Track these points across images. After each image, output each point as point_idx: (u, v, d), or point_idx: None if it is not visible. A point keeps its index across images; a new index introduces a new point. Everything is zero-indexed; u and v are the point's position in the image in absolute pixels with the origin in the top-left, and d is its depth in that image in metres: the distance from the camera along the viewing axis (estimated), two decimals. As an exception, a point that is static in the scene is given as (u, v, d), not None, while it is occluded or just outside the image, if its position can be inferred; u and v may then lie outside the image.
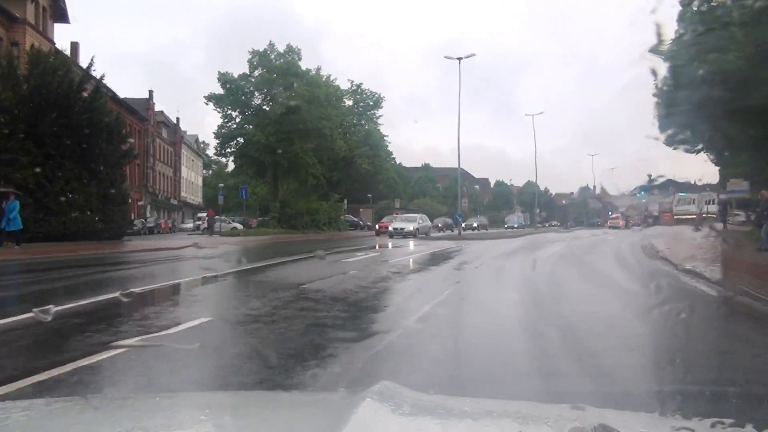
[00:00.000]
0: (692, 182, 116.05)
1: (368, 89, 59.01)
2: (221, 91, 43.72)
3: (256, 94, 44.18)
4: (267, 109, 43.66)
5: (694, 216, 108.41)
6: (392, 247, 25.99)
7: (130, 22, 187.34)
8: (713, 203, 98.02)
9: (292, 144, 42.13)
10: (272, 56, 43.44)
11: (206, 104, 43.41)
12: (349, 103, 59.60)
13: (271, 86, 42.73)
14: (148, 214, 60.92)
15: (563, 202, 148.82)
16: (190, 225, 63.20)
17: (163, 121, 72.98)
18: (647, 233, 35.41)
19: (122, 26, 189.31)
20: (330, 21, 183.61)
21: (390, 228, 37.84)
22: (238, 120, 44.59)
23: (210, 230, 40.91)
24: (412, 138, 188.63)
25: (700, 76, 17.79)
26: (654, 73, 20.44)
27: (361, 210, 59.27)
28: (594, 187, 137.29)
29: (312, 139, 43.14)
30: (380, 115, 59.20)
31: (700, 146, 25.69)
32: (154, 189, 66.25)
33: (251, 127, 43.03)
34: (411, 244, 28.76)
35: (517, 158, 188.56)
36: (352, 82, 59.04)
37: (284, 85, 42.22)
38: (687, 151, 26.34)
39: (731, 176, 56.37)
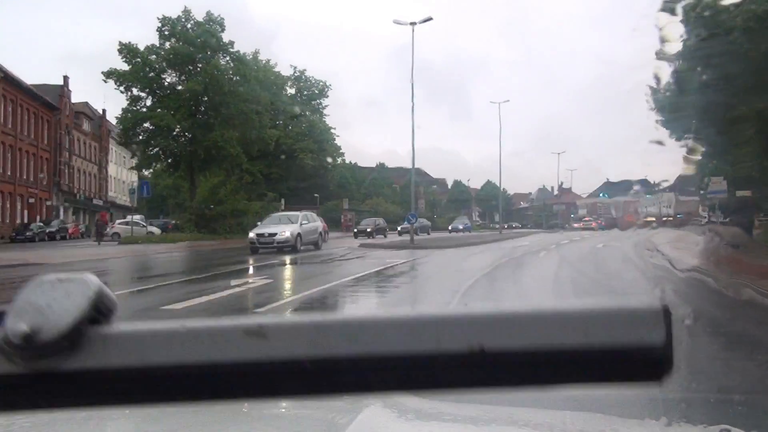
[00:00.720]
0: (652, 183, 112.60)
1: (312, 77, 51.74)
2: (126, 67, 35.51)
3: (168, 70, 36.26)
4: (181, 88, 35.86)
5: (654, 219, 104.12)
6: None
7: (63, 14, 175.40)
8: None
9: (210, 130, 34.53)
10: (188, 25, 35.62)
11: (105, 81, 35.31)
12: (291, 91, 52.30)
13: (186, 61, 35.01)
14: (62, 216, 52.31)
15: (521, 203, 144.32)
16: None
17: (85, 113, 64.14)
18: (655, 238, 29.26)
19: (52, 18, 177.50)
20: (283, 20, 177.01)
21: (251, 235, 24.04)
22: (148, 102, 36.58)
23: (99, 237, 33.05)
24: (369, 140, 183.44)
25: (704, 82, 18.19)
26: (657, 78, 21.85)
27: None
28: (552, 188, 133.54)
29: (237, 125, 35.64)
30: (326, 105, 51.98)
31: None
32: (70, 187, 57.47)
33: (161, 110, 35.07)
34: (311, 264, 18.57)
35: (475, 160, 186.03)
36: (295, 68, 51.84)
37: (202, 59, 34.57)
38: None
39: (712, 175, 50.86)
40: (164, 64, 35.73)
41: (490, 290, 11.20)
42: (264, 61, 49.56)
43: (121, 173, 78.21)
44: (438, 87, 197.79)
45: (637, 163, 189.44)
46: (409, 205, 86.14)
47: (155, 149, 35.67)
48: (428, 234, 45.26)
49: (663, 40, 18.06)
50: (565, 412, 1.60)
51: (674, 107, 22.75)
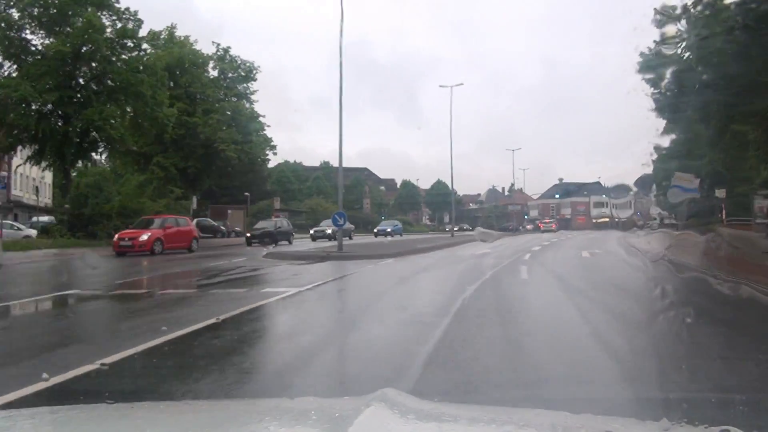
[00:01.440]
0: (603, 184, 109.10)
1: (239, 56, 44.39)
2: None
3: (28, 28, 28.29)
4: (45, 50, 28.01)
5: (607, 219, 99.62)
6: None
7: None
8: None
9: (86, 106, 26.94)
10: (59, -27, 27.74)
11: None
12: (214, 73, 44.87)
13: (56, 18, 27.29)
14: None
15: (471, 205, 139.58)
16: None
17: None
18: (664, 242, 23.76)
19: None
20: (229, 16, 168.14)
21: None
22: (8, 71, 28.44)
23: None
24: (318, 140, 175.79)
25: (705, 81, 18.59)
26: (657, 78, 22.15)
27: (229, 212, 44.46)
28: (503, 188, 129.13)
29: (126, 100, 28.13)
30: (255, 90, 44.71)
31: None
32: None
33: (17, 76, 27.03)
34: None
35: (425, 162, 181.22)
36: (218, 45, 44.36)
37: (75, 14, 26.93)
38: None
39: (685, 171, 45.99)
40: (29, 21, 27.82)
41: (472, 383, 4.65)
42: (182, 37, 42.12)
43: (30, 169, 68.42)
44: (386, 86, 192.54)
45: (590, 164, 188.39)
46: (358, 203, 79.30)
47: (14, 131, 27.62)
48: (350, 238, 37.54)
49: (663, 40, 18.28)
50: (565, 412, 1.60)
51: (674, 107, 22.98)
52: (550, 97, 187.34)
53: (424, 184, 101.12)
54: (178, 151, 41.56)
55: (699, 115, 24.03)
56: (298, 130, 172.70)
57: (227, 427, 1.56)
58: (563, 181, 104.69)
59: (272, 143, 46.21)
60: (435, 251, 22.83)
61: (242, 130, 42.15)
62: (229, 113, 42.13)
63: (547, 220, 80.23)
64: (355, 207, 72.88)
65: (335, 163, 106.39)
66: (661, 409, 3.37)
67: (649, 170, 73.18)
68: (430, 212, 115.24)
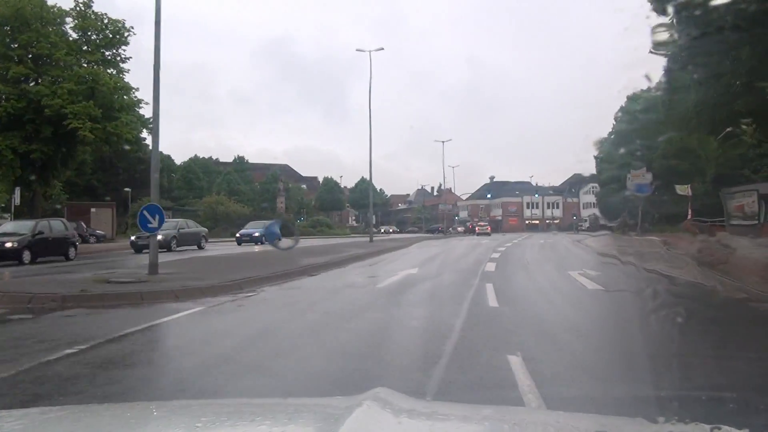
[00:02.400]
0: (534, 184, 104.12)
1: (105, 14, 34.68)
2: None
3: None
4: None
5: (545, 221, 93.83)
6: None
7: None
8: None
9: None
10: None
11: None
12: (75, 35, 34.99)
13: None
14: None
15: (400, 205, 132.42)
16: None
17: None
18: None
19: None
20: (150, 8, 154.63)
21: None
22: None
23: None
24: (241, 137, 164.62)
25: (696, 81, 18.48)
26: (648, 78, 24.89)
27: (93, 210, 34.62)
28: (432, 188, 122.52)
29: None
30: (127, 57, 35.14)
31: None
32: None
33: None
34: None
35: (352, 162, 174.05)
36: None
37: None
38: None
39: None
40: None
41: None
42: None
43: None
44: (314, 84, 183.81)
45: (519, 165, 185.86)
46: (271, 203, 69.89)
47: None
48: (200, 247, 28.58)
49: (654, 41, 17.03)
50: (558, 411, 1.69)
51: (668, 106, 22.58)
52: (478, 97, 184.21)
53: (350, 182, 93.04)
54: (16, 131, 31.59)
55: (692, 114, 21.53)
56: (220, 125, 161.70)
57: (220, 426, 1.52)
58: (494, 180, 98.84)
59: (147, 122, 36.48)
60: (312, 275, 13.90)
61: (102, 103, 32.44)
62: (86, 83, 32.34)
63: (482, 223, 73.72)
64: (264, 206, 63.79)
65: (252, 159, 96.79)
66: (653, 407, 3.11)
67: (589, 168, 68.41)
68: (357, 213, 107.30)
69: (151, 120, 38.79)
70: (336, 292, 10.29)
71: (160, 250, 24.51)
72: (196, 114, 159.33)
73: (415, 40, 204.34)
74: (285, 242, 29.32)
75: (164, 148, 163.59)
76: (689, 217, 35.74)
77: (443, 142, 61.43)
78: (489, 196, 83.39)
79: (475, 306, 8.01)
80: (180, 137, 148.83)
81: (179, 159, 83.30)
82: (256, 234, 33.33)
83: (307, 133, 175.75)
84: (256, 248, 28.12)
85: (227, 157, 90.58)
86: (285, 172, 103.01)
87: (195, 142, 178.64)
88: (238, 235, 35.28)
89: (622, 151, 44.83)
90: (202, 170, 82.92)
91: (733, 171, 40.19)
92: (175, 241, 26.81)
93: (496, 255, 19.35)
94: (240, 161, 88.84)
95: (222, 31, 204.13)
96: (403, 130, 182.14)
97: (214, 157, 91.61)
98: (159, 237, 26.15)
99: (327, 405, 1.67)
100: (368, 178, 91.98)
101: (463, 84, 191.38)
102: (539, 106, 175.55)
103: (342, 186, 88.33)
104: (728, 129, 21.10)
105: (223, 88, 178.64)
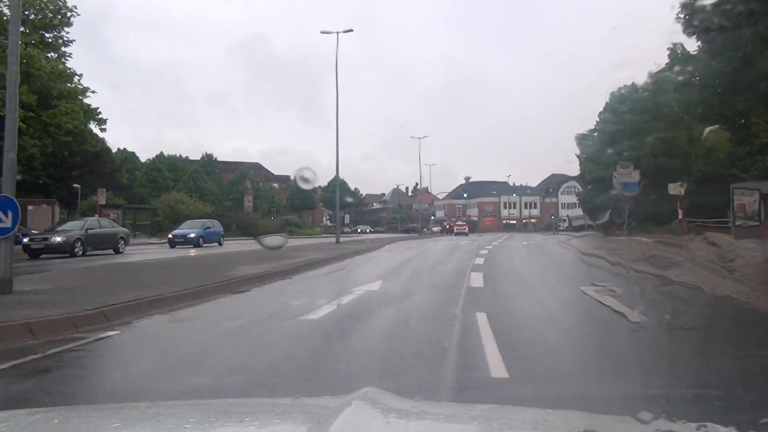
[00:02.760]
0: (511, 184, 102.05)
1: (44, -10, 31.07)
2: None
3: None
4: None
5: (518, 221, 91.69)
6: None
7: None
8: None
9: None
10: None
11: None
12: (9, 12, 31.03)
13: None
14: None
15: (375, 204, 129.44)
16: None
17: None
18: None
19: None
20: (119, 3, 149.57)
21: None
22: None
23: None
24: (217, 137, 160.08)
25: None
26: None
27: (30, 208, 30.99)
28: (407, 188, 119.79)
29: None
30: (70, 40, 31.60)
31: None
32: None
33: None
34: None
35: (329, 163, 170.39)
36: (14, -26, 30.52)
37: None
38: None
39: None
40: None
41: None
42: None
43: None
44: (289, 84, 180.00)
45: (496, 166, 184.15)
46: (238, 202, 66.18)
47: None
48: (117, 251, 24.10)
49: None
50: (546, 409, 1.59)
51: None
52: (455, 98, 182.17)
53: (324, 181, 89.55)
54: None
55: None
56: (195, 126, 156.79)
57: (208, 427, 1.50)
58: (470, 180, 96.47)
59: (99, 115, 33.19)
60: (238, 293, 10.35)
61: (42, 91, 28.90)
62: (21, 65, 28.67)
63: (460, 223, 71.05)
64: (227, 205, 60.20)
65: (221, 157, 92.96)
66: (639, 405, 2.57)
67: (574, 168, 66.25)
68: (331, 212, 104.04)
69: (98, 111, 35.23)
70: (237, 333, 6.60)
71: (60, 256, 20.81)
72: (168, 112, 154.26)
73: (392, 39, 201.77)
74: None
75: (130, 145, 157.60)
76: (680, 216, 33.37)
77: (419, 138, 58.52)
78: (465, 195, 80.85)
79: (467, 377, 4.50)
80: (152, 136, 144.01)
81: (149, 157, 79.50)
82: (192, 235, 29.55)
83: (283, 133, 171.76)
84: (192, 252, 24.33)
85: (198, 156, 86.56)
86: (256, 170, 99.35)
87: (168, 142, 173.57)
88: (170, 236, 30.25)
89: (609, 151, 42.54)
90: (168, 168, 78.97)
91: (723, 170, 38.14)
92: (80, 245, 22.19)
93: (479, 261, 16.43)
94: (208, 159, 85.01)
95: (195, 28, 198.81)
96: (380, 130, 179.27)
97: (183, 155, 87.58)
98: (58, 239, 22.02)
99: (316, 405, 1.63)
100: (342, 177, 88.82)
101: (440, 84, 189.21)
102: (516, 106, 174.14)
103: (315, 185, 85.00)
104: (741, 121, 19.92)
105: (197, 87, 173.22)
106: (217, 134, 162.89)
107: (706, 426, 1.33)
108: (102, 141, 46.04)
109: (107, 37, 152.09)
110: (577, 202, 64.11)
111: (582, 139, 47.81)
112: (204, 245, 29.23)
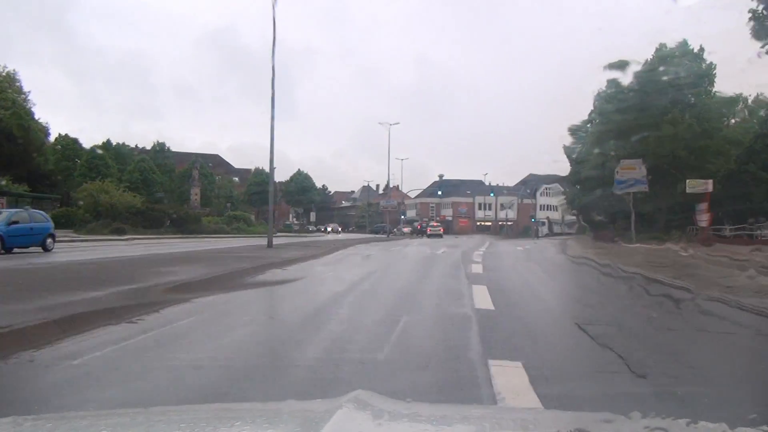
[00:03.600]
0: (487, 183, 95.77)
1: None
2: None
3: None
4: None
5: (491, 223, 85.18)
6: None
7: None
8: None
9: None
10: None
11: None
12: None
13: None
14: None
15: (344, 202, 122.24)
16: None
17: None
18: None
19: None
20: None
21: None
22: None
23: None
24: (185, 131, 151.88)
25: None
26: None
27: None
28: (377, 186, 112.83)
29: None
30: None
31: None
32: None
33: None
34: None
35: (300, 160, 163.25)
36: None
37: None
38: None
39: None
40: None
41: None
42: None
43: None
44: (261, 78, 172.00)
45: (471, 166, 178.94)
46: (184, 194, 58.14)
47: None
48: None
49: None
50: (537, 408, 1.62)
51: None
52: (428, 96, 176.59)
53: (286, 175, 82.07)
54: None
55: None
56: (163, 119, 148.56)
57: (207, 424, 1.50)
58: (444, 178, 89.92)
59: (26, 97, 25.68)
60: None
61: None
62: None
63: (434, 224, 64.71)
64: (159, 196, 52.53)
65: (175, 148, 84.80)
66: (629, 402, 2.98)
67: (558, 168, 60.64)
68: (299, 210, 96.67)
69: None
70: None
71: None
72: (133, 104, 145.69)
73: (364, 36, 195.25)
74: None
75: (95, 136, 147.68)
76: (705, 221, 26.97)
77: (390, 125, 51.56)
78: (440, 193, 74.26)
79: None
80: (117, 127, 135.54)
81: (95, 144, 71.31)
82: None
83: (253, 128, 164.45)
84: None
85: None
86: (216, 162, 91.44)
87: (135, 135, 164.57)
88: None
89: (612, 141, 36.62)
90: (114, 157, 70.78)
91: (739, 166, 32.29)
92: None
93: (481, 293, 9.52)
94: (160, 148, 76.89)
95: (162, 18, 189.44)
96: (352, 126, 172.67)
97: (140, 145, 79.38)
98: None
99: (307, 409, 1.63)
100: (305, 171, 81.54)
101: (413, 82, 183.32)
102: (491, 106, 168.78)
103: (278, 180, 77.08)
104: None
105: (164, 78, 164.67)
106: (185, 127, 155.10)
107: (696, 423, 1.32)
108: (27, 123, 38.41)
109: (72, 23, 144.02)
110: (564, 203, 58.08)
111: (576, 131, 41.74)
112: (16, 250, 18.45)
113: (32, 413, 3.11)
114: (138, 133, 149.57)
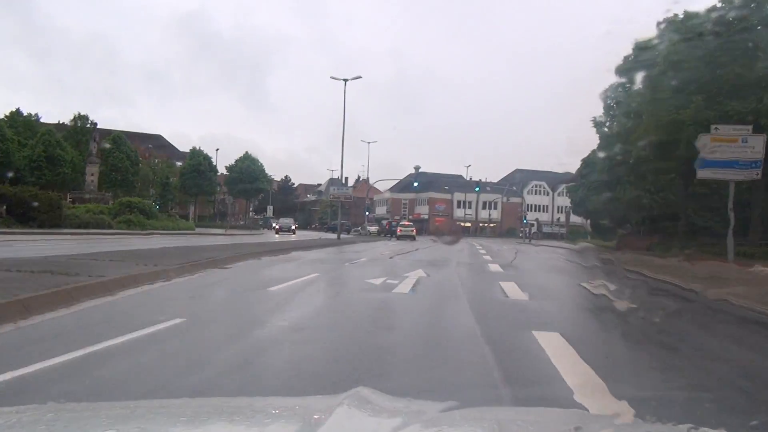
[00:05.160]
0: (468, 178, 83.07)
1: None
2: None
3: None
4: None
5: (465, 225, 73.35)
6: None
7: None
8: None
9: None
10: None
11: None
12: None
13: None
14: None
15: (309, 196, 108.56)
16: None
17: None
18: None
19: None
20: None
21: None
22: None
23: None
24: (153, 120, 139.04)
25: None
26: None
27: None
28: (346, 179, 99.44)
29: None
30: None
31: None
32: None
33: None
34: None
35: (273, 153, 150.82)
36: None
37: None
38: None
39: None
40: None
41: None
42: None
43: None
44: (233, 65, 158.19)
45: (449, 163, 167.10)
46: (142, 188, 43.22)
47: None
48: None
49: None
50: (537, 408, 1.48)
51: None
52: (406, 92, 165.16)
53: (230, 160, 67.57)
54: None
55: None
56: (130, 104, 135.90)
57: (198, 425, 1.45)
58: (420, 171, 76.75)
59: None
60: None
61: None
62: None
63: (406, 223, 52.16)
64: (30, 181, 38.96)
65: (104, 125, 70.47)
66: (632, 406, 2.62)
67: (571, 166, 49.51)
68: (254, 203, 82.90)
69: None
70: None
71: None
72: (100, 86, 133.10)
73: (341, 28, 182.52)
74: None
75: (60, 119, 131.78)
76: None
77: (344, 81, 38.43)
78: (416, 185, 61.10)
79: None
80: (84, 110, 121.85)
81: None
82: None
83: (225, 119, 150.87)
84: None
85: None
86: (157, 144, 77.09)
87: (105, 118, 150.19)
88: None
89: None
90: (18, 131, 56.45)
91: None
92: None
93: None
94: (82, 122, 62.47)
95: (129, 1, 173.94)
96: (326, 122, 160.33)
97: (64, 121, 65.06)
98: None
99: (308, 405, 1.59)
100: (253, 155, 67.40)
101: (389, 78, 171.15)
102: (471, 99, 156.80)
103: (221, 166, 62.32)
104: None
105: (131, 63, 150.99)
106: (153, 116, 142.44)
107: (696, 429, 1.29)
108: None
109: (32, 5, 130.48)
110: (570, 203, 45.92)
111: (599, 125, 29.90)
112: None
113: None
114: (108, 117, 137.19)
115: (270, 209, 77.87)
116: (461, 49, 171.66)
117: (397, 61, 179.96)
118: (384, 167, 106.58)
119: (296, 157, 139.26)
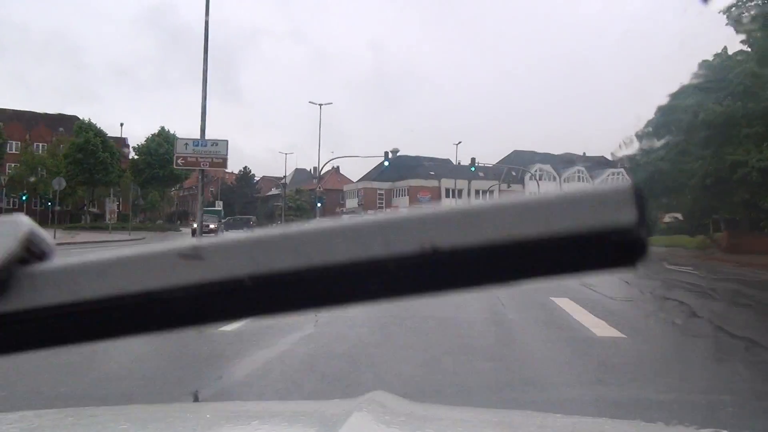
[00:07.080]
0: (456, 162, 67.85)
1: None
2: None
3: None
4: None
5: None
6: None
7: None
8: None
9: None
10: None
11: None
12: None
13: None
14: None
15: (273, 189, 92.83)
16: None
17: None
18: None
19: None
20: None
21: None
22: None
23: None
24: (128, 118, 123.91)
25: None
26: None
27: None
28: (313, 169, 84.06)
29: None
30: None
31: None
32: None
33: None
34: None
35: (253, 152, 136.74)
36: None
37: None
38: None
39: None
40: None
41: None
42: None
43: None
44: (201, 60, 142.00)
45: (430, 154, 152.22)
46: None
47: None
48: None
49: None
50: (556, 414, 1.54)
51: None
52: (385, 86, 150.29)
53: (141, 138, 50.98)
54: None
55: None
56: (96, 100, 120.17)
57: (217, 429, 1.44)
58: (399, 154, 60.81)
59: None
60: None
61: None
62: None
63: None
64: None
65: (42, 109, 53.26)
66: (652, 410, 2.93)
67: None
68: (211, 198, 67.44)
69: None
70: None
71: None
72: (65, 84, 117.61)
73: (314, 18, 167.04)
74: None
75: None
76: None
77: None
78: (386, 164, 45.07)
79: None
80: (50, 108, 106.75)
81: None
82: None
83: (194, 112, 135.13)
84: None
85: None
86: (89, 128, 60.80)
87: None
88: None
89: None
90: None
91: None
92: None
93: None
94: (82, 124, 45.12)
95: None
96: (304, 119, 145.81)
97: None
98: None
99: (323, 409, 1.57)
100: (169, 128, 50.49)
101: (368, 73, 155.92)
102: (452, 92, 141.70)
103: (106, 137, 44.87)
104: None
105: (97, 59, 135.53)
106: (123, 114, 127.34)
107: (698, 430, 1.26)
108: None
109: None
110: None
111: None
112: None
113: None
114: (77, 113, 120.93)
115: (219, 204, 62.15)
116: (441, 38, 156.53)
117: (376, 53, 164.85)
118: (364, 161, 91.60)
119: (273, 152, 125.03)
